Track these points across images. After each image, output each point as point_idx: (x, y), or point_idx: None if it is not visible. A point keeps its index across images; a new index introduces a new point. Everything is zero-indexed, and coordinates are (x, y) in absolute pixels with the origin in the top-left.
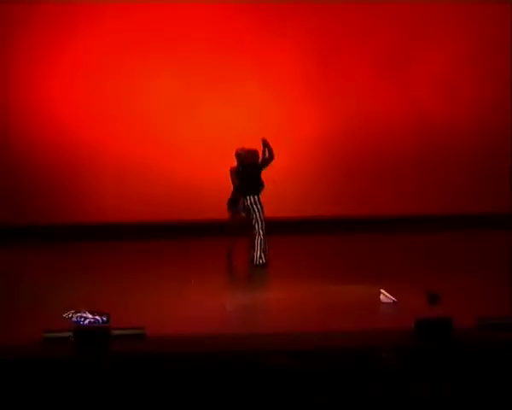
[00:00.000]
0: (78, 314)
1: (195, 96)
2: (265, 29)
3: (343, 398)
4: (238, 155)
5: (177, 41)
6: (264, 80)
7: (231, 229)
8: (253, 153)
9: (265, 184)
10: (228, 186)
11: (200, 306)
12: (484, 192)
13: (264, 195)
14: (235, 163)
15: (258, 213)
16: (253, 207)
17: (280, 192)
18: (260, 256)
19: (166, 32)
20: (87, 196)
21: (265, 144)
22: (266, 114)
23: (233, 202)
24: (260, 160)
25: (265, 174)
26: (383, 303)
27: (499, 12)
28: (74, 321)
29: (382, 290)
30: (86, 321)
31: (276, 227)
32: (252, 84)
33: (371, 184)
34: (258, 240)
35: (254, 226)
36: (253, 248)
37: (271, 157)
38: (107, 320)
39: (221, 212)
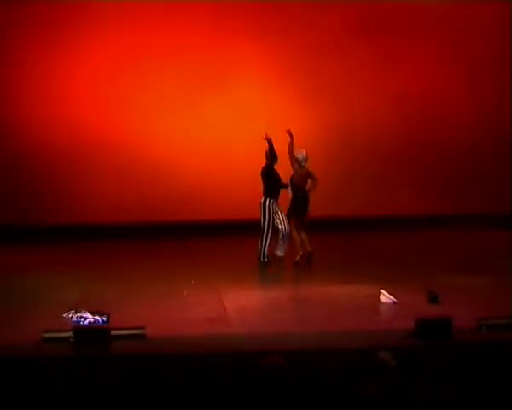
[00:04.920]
0: (78, 314)
1: (196, 97)
2: (266, 29)
3: (343, 398)
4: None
5: (180, 40)
6: (264, 80)
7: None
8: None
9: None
10: (227, 186)
11: (199, 306)
12: (484, 192)
13: (261, 195)
14: (232, 163)
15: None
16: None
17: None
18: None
19: (169, 31)
20: (87, 196)
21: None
22: (266, 114)
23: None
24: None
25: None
26: (383, 303)
27: (499, 12)
28: (74, 321)
29: (382, 290)
30: (86, 321)
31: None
32: (252, 84)
33: (370, 185)
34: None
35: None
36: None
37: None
38: (107, 320)
39: (221, 212)
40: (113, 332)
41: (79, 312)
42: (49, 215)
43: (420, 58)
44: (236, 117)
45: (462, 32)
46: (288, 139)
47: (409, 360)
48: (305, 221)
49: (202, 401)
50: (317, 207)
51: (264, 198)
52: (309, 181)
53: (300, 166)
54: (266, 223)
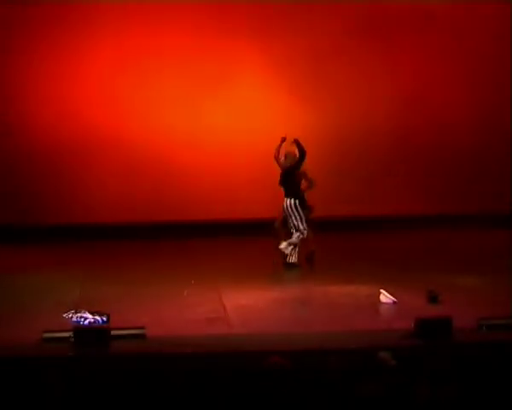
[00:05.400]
0: (78, 314)
1: (196, 97)
2: (266, 29)
3: (343, 398)
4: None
5: (180, 40)
6: (264, 80)
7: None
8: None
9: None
10: (227, 186)
11: (199, 306)
12: (484, 192)
13: (261, 195)
14: (232, 163)
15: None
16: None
17: (276, 193)
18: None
19: (169, 31)
20: (87, 196)
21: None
22: (266, 114)
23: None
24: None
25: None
26: (383, 303)
27: (499, 12)
28: (74, 321)
29: (382, 290)
30: (86, 321)
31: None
32: (252, 84)
33: (370, 184)
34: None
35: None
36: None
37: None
38: (107, 320)
39: (221, 211)
40: (113, 332)
41: (79, 312)
42: (49, 215)
43: (420, 58)
44: (236, 117)
45: (462, 31)
46: (279, 142)
47: (409, 360)
48: (311, 220)
49: (202, 401)
50: (317, 207)
51: (290, 199)
52: (303, 181)
53: None
54: (299, 222)
